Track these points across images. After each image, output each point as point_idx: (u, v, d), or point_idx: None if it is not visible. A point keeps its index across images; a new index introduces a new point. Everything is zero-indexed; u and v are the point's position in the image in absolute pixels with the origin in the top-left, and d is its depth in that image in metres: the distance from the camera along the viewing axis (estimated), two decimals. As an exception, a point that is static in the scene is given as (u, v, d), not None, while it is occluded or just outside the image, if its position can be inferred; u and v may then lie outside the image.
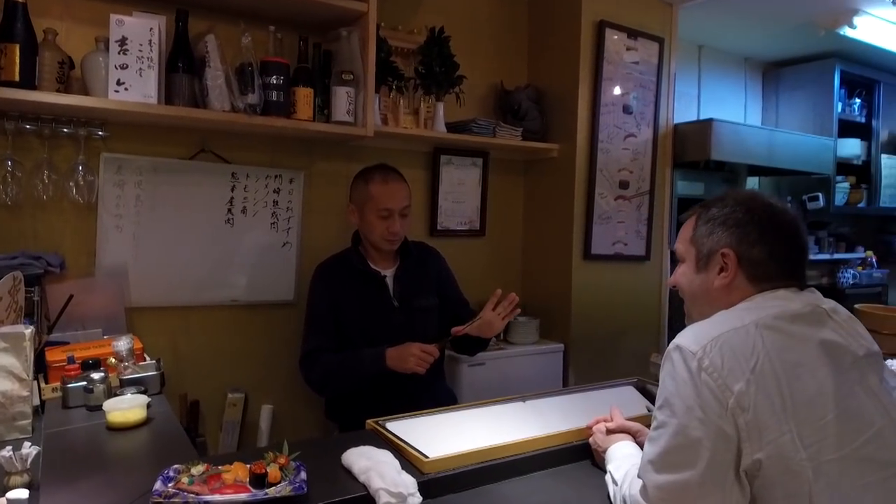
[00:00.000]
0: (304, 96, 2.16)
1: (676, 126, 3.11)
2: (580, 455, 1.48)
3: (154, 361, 1.87)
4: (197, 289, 2.29)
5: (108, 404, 1.52)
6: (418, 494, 1.18)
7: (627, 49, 2.86)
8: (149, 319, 2.22)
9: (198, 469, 1.15)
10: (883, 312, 2.65)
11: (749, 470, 0.99)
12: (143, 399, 1.56)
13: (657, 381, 2.10)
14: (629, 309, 3.01)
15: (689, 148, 3.07)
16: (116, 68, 1.80)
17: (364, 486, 1.19)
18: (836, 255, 4.17)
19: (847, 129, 4.11)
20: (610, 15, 2.81)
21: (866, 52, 3.83)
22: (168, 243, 2.22)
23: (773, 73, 4.26)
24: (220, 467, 1.16)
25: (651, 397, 2.01)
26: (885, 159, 4.30)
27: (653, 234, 3.03)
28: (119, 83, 1.81)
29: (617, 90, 2.85)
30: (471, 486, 1.31)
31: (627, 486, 1.16)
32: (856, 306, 2.86)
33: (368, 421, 1.57)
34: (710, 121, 2.99)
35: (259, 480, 1.12)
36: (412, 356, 1.89)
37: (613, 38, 2.81)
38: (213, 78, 1.97)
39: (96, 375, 1.65)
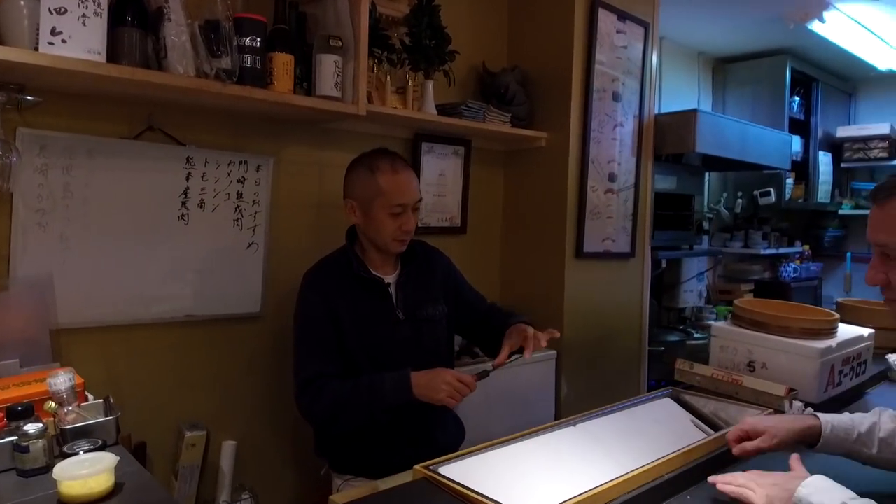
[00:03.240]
0: (284, 64, 1.77)
1: (657, 117, 2.96)
2: (685, 484, 1.26)
3: (101, 401, 1.45)
4: (142, 302, 1.83)
5: (62, 470, 1.09)
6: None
7: (617, 32, 2.67)
8: (81, 343, 1.75)
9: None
10: (867, 307, 2.62)
11: None
12: (111, 460, 1.15)
13: (690, 388, 1.93)
14: (615, 310, 2.82)
15: (671, 139, 2.92)
16: (51, 13, 1.34)
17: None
18: (781, 250, 4.24)
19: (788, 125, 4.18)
20: (601, -7, 2.60)
21: (816, 50, 3.89)
22: (106, 245, 1.75)
23: (721, 69, 4.27)
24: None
25: (689, 408, 1.84)
26: (822, 156, 4.44)
27: (637, 230, 2.86)
28: (54, 33, 1.35)
29: (607, 76, 2.65)
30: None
31: None
32: (838, 300, 2.84)
33: (417, 467, 1.25)
34: (694, 111, 2.86)
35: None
36: (445, 385, 1.57)
37: (605, 19, 2.60)
38: (174, 34, 1.55)
39: (31, 428, 1.22)
